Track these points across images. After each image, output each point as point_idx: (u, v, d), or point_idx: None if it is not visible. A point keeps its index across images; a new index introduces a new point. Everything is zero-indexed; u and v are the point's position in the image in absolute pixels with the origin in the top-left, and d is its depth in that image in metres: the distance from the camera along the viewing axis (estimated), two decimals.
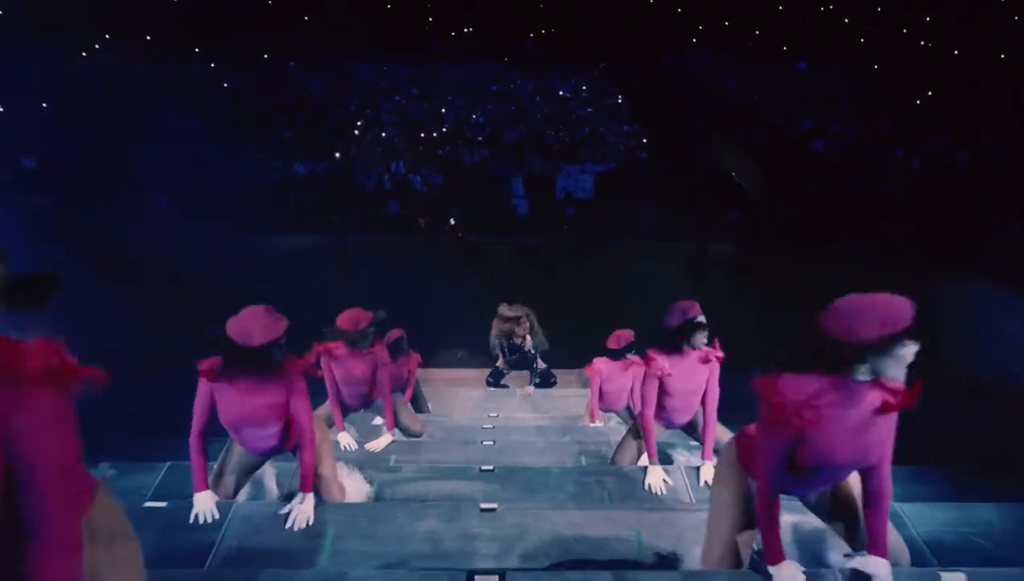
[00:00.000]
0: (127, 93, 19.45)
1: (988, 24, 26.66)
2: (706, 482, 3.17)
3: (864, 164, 15.73)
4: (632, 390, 4.80)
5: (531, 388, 6.09)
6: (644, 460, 3.34)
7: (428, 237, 11.15)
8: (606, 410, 4.96)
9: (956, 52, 28.55)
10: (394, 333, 5.14)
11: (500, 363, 6.32)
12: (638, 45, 27.43)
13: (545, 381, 6.27)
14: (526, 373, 6.31)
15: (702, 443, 3.30)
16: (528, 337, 6.09)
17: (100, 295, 6.72)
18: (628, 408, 4.94)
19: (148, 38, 28.69)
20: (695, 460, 3.58)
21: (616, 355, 4.71)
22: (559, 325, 6.45)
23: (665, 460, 3.72)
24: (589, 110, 19.41)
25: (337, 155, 15.18)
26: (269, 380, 2.68)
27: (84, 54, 25.97)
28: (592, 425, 4.80)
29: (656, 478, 3.20)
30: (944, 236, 11.44)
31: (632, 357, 4.67)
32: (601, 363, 4.74)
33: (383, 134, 16.19)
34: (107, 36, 27.97)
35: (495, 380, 6.29)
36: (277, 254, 10.79)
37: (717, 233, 12.41)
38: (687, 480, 3.27)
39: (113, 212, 11.73)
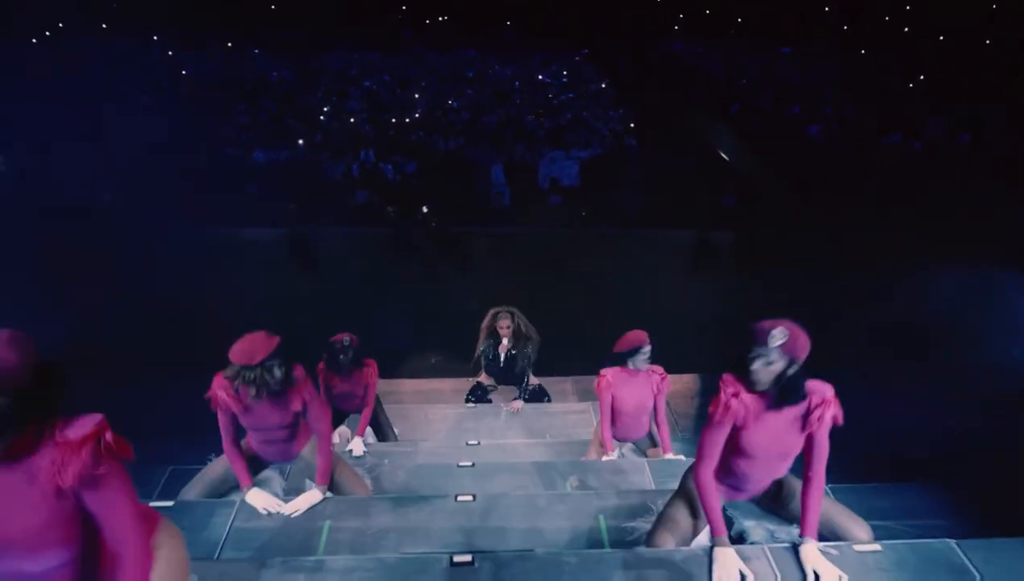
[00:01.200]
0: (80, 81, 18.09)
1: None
2: (815, 573, 2.15)
3: (864, 148, 14.87)
4: (657, 410, 3.73)
5: (519, 403, 4.99)
6: (704, 536, 2.25)
7: (398, 228, 9.99)
8: (621, 439, 3.89)
9: (942, 37, 28.11)
10: (341, 337, 4.04)
11: (483, 378, 5.24)
12: (620, 31, 26.54)
13: (536, 397, 5.19)
14: (513, 388, 5.22)
15: (802, 515, 2.24)
16: (507, 339, 5.01)
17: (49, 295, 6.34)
18: (650, 436, 3.87)
19: (104, 26, 27.25)
20: (782, 534, 2.43)
21: (628, 361, 3.63)
22: (548, 325, 5.35)
23: (735, 536, 2.52)
24: (571, 96, 18.35)
25: (300, 142, 13.94)
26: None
27: (34, 40, 24.46)
28: (605, 458, 3.71)
29: (731, 570, 2.12)
30: (949, 219, 10.61)
31: (651, 367, 3.61)
32: (612, 375, 3.67)
33: (351, 120, 14.96)
34: (60, 24, 26.44)
35: (476, 398, 5.19)
36: (234, 248, 9.65)
37: (713, 220, 11.44)
38: (777, 571, 2.18)
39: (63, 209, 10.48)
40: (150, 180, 11.69)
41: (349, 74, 20.09)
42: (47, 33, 25.45)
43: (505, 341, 4.97)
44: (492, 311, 5.04)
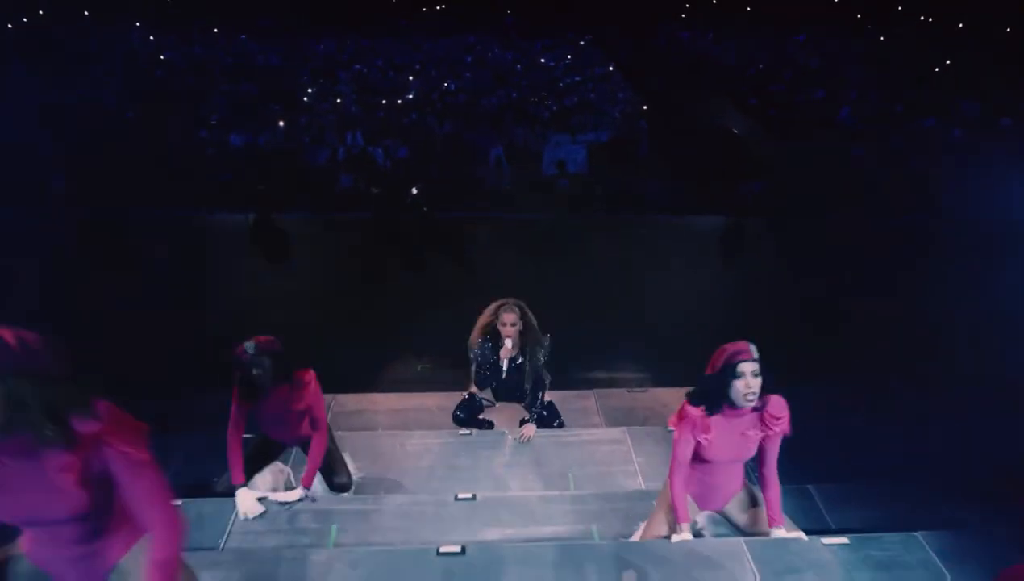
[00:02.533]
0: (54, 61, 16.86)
1: None
2: None
3: (896, 134, 13.60)
4: (765, 460, 2.41)
5: (531, 429, 3.68)
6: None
7: (383, 213, 8.68)
8: (704, 507, 2.55)
9: (961, 24, 26.91)
10: (244, 346, 2.75)
11: (473, 389, 3.92)
12: (626, 16, 25.31)
13: (546, 420, 3.92)
14: (514, 408, 3.90)
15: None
16: (510, 341, 3.76)
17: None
18: (748, 494, 2.56)
19: (86, 13, 26.03)
20: None
21: (726, 390, 2.30)
22: (561, 325, 4.03)
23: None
24: (577, 79, 17.06)
25: (281, 124, 12.63)
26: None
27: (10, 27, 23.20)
28: (677, 537, 2.39)
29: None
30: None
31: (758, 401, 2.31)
32: (701, 415, 2.34)
33: (338, 101, 13.65)
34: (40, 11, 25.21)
35: (467, 415, 3.84)
36: (202, 234, 8.40)
37: (740, 206, 10.17)
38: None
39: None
40: (111, 165, 10.49)
41: (340, 59, 18.80)
42: (24, 20, 24.18)
43: (508, 343, 3.71)
44: (495, 304, 3.76)
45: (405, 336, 5.70)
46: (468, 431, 3.74)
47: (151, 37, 22.13)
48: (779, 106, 16.02)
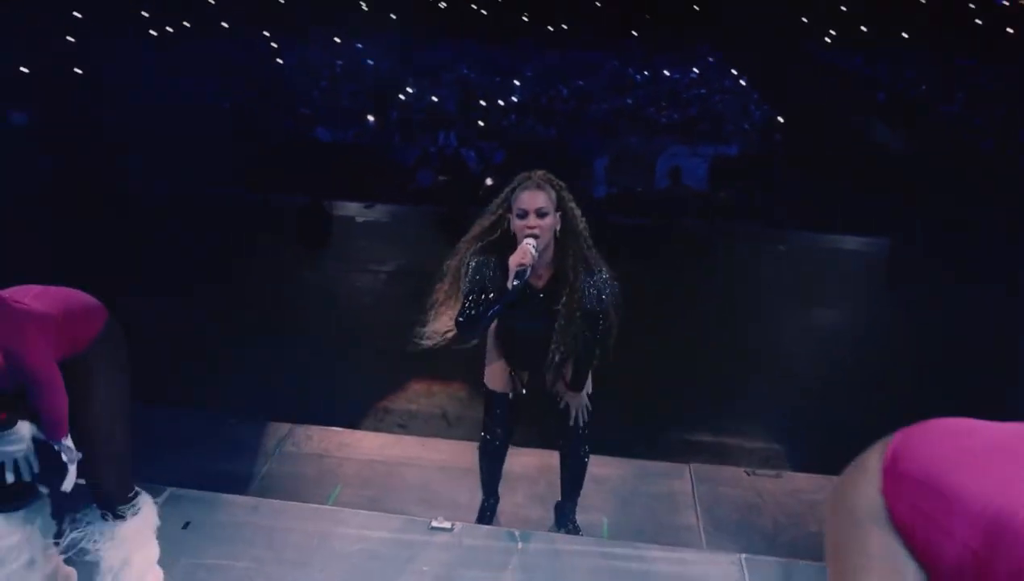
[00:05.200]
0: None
1: None
2: None
3: None
4: None
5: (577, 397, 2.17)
6: None
7: (455, 207, 7.27)
8: None
9: None
10: None
11: (493, 372, 2.29)
12: (763, 35, 23.30)
13: (574, 445, 2.27)
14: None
15: None
16: (533, 247, 1.94)
17: None
18: None
19: (224, 24, 27.11)
20: None
21: None
22: (652, 361, 2.33)
23: None
24: (703, 91, 15.26)
25: (371, 118, 11.71)
26: None
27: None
28: None
29: None
30: None
31: None
32: None
33: (433, 99, 12.62)
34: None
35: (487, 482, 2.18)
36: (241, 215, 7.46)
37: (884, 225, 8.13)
38: None
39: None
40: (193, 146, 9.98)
41: (446, 63, 18.03)
42: (168, 28, 25.43)
43: (531, 248, 2.00)
44: (514, 180, 2.11)
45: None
46: (448, 524, 2.12)
47: (274, 44, 22.48)
48: (943, 127, 13.73)
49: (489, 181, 7.40)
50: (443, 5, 40.70)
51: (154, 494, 2.01)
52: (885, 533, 0.55)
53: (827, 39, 27.13)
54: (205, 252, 5.79)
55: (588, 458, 2.39)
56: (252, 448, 2.91)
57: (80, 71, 15.72)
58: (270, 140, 11.10)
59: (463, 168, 11.17)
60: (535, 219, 1.96)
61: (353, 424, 3.53)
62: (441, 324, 2.19)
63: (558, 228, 2.05)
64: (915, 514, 0.54)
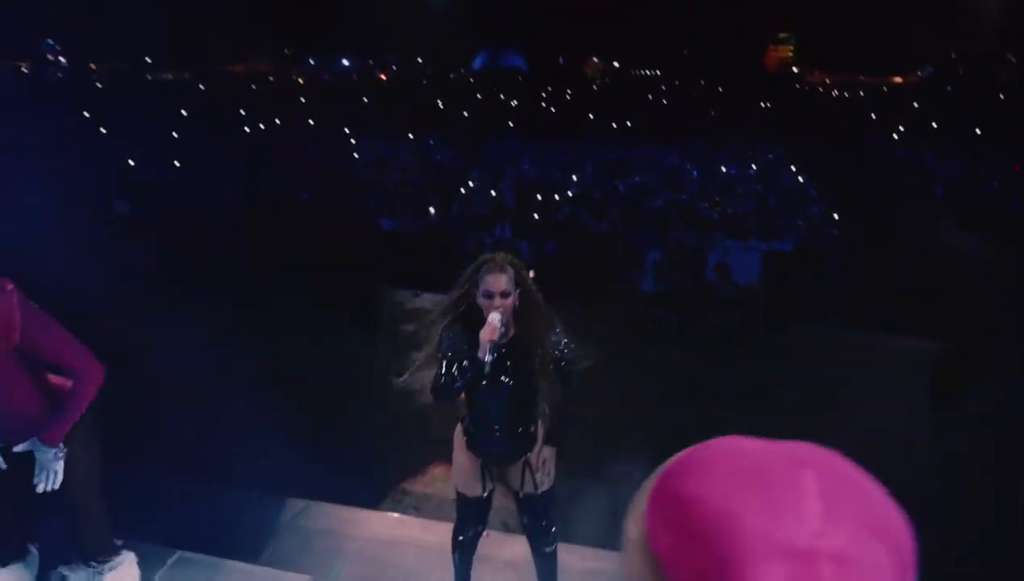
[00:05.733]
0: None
1: None
2: None
3: None
4: None
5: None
6: None
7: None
8: None
9: None
10: None
11: (458, 451, 2.48)
12: (821, 127, 23.44)
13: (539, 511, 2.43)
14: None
15: None
16: (499, 318, 2.22)
17: None
18: None
19: (311, 121, 29.32)
20: None
21: None
22: None
23: None
24: (758, 187, 15.41)
25: (432, 210, 12.38)
26: None
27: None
28: None
29: None
30: None
31: None
32: None
33: (491, 193, 13.25)
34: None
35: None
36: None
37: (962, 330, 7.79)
38: None
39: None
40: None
41: (511, 158, 18.89)
42: (261, 125, 27.69)
43: (497, 323, 2.21)
44: (477, 261, 2.36)
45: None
46: None
47: (352, 140, 24.14)
48: (1015, 227, 13.26)
49: (531, 273, 7.64)
50: (514, 103, 42.78)
51: (165, 556, 2.23)
52: (644, 559, 0.55)
53: (895, 135, 26.95)
54: (249, 328, 6.24)
55: (556, 547, 2.53)
56: (268, 520, 3.12)
57: (178, 164, 17.31)
58: (337, 228, 11.87)
59: (515, 256, 11.57)
60: (500, 300, 2.22)
61: (372, 503, 3.72)
62: (416, 383, 2.44)
63: (517, 302, 2.30)
64: (668, 541, 0.53)
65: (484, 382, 2.30)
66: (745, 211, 13.12)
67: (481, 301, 2.25)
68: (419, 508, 3.74)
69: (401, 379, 2.45)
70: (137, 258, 8.82)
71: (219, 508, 3.15)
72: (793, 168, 17.12)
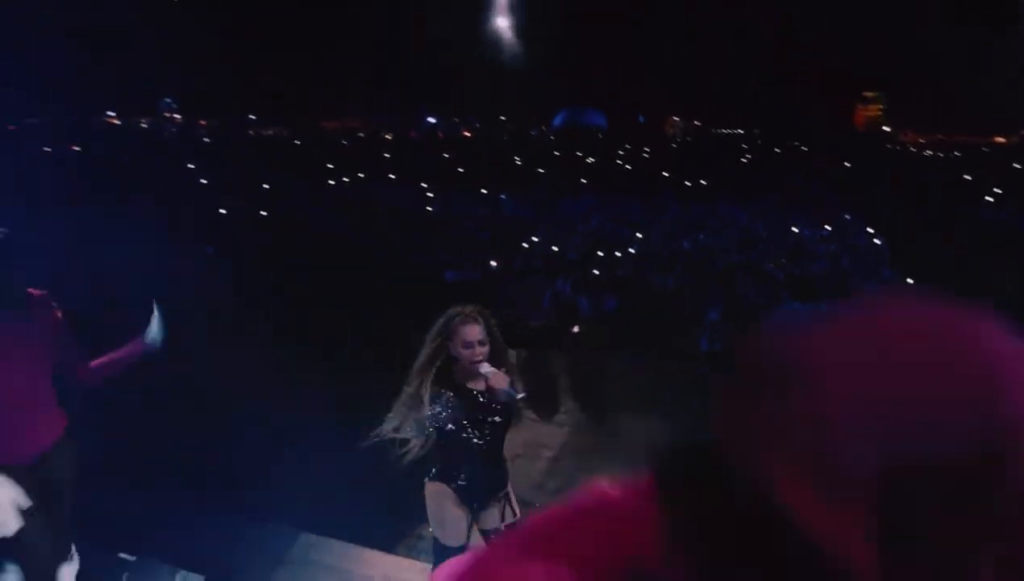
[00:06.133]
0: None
1: None
2: None
3: None
4: None
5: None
6: None
7: (538, 346, 7.66)
8: None
9: None
10: None
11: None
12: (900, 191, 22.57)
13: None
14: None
15: None
16: (482, 366, 2.41)
17: None
18: None
19: (392, 176, 30.71)
20: None
21: None
22: None
23: None
24: (832, 248, 14.97)
25: (493, 264, 12.68)
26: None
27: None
28: None
29: None
30: None
31: None
32: None
33: (554, 249, 13.46)
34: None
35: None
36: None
37: None
38: None
39: None
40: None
41: (582, 213, 19.15)
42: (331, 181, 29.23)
43: (486, 371, 2.41)
44: (447, 314, 2.50)
45: None
46: None
47: (429, 194, 25.05)
48: None
49: (576, 329, 7.73)
50: (591, 160, 43.31)
51: (167, 575, 2.41)
52: None
53: (989, 197, 25.62)
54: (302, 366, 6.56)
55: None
56: (278, 554, 3.29)
57: (265, 213, 18.46)
58: (402, 279, 12.33)
59: (574, 313, 11.64)
60: (480, 348, 2.37)
61: (386, 545, 3.83)
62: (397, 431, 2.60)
63: (490, 345, 2.51)
64: None
65: (465, 433, 2.42)
66: (817, 272, 12.79)
67: (460, 352, 2.40)
68: (431, 554, 3.82)
69: (374, 434, 2.61)
70: (216, 293, 9.49)
71: (232, 536, 3.34)
72: (870, 229, 16.55)
